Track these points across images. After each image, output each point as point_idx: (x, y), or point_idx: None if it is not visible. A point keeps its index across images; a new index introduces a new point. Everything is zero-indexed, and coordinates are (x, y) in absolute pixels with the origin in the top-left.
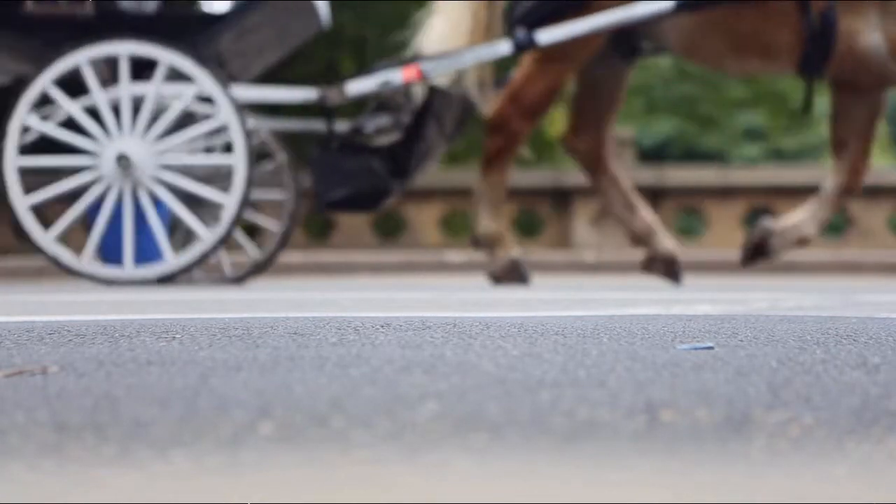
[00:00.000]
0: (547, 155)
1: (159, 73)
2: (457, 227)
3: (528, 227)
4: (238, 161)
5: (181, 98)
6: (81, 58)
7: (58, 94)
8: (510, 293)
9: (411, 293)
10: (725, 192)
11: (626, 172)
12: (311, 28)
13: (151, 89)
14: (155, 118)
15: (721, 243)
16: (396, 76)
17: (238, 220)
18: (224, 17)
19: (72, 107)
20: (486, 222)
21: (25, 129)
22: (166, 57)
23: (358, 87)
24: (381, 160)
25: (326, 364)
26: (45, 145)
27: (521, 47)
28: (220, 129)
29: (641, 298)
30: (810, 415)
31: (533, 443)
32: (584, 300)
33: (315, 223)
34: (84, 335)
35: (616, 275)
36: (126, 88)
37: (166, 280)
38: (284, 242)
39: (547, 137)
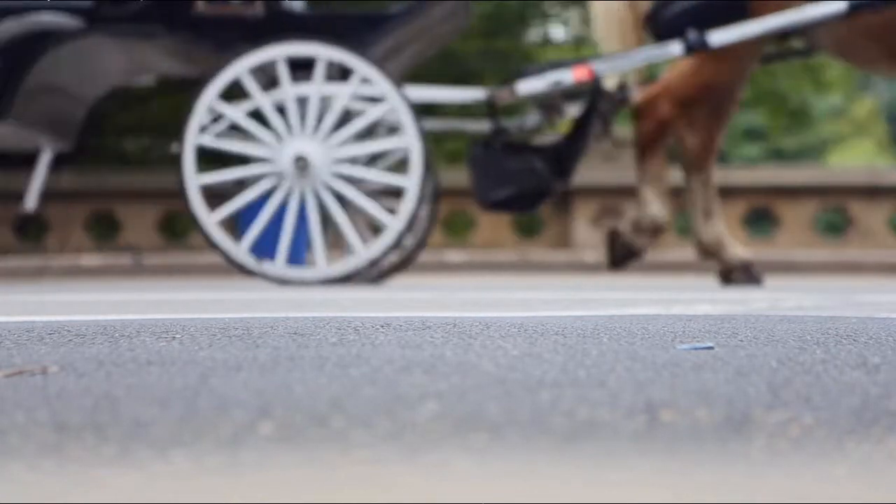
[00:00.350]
0: None
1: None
2: (457, 227)
3: (528, 227)
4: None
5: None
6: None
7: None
8: (510, 293)
9: (411, 293)
10: (725, 192)
11: (626, 171)
12: (459, 29)
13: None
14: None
15: None
16: (567, 76)
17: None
18: (392, 18)
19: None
20: (653, 208)
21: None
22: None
23: (528, 86)
24: (544, 160)
25: (326, 364)
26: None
27: (693, 48)
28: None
29: (641, 298)
30: (810, 415)
31: (533, 443)
32: (584, 300)
33: None
34: (84, 335)
35: (616, 275)
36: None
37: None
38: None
39: None
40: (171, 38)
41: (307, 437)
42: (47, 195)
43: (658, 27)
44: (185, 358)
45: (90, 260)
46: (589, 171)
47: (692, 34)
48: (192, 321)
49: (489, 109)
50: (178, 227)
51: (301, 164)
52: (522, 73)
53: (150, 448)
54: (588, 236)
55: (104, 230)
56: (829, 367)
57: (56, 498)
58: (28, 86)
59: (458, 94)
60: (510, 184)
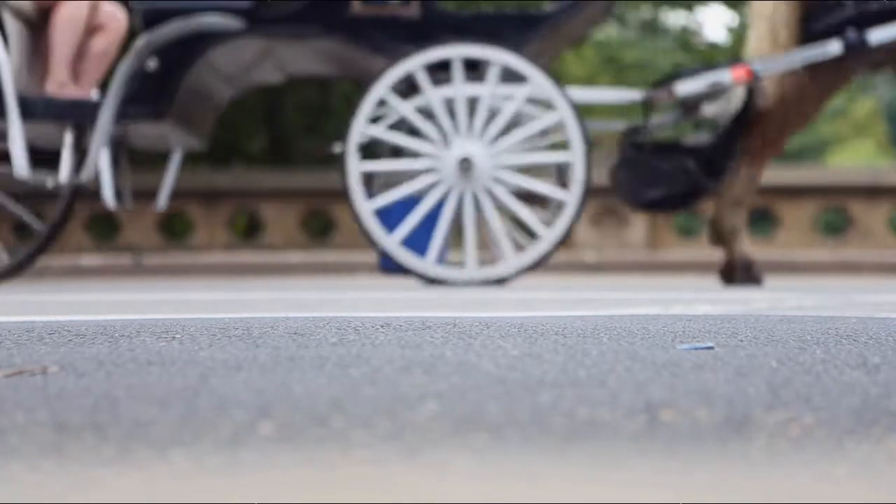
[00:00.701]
0: None
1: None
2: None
3: (527, 227)
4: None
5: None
6: (419, 61)
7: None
8: (510, 293)
9: (411, 293)
10: None
11: None
12: (596, 26)
13: (486, 91)
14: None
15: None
16: (726, 76)
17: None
18: (548, 18)
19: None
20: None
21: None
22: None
23: (687, 87)
24: (696, 160)
25: (326, 364)
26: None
27: (852, 47)
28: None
29: (641, 298)
30: (810, 415)
31: (533, 443)
32: (584, 300)
33: (315, 223)
34: (84, 335)
35: (616, 275)
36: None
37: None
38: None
39: None
40: (325, 39)
41: (307, 437)
42: (47, 196)
43: (814, 27)
44: (185, 358)
45: (90, 260)
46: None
47: (851, 33)
48: (192, 321)
49: (643, 110)
50: (177, 227)
51: (465, 165)
52: (679, 75)
53: (150, 448)
54: (588, 236)
55: (104, 230)
56: (829, 367)
57: (56, 498)
58: (185, 87)
59: (614, 94)
60: (662, 184)
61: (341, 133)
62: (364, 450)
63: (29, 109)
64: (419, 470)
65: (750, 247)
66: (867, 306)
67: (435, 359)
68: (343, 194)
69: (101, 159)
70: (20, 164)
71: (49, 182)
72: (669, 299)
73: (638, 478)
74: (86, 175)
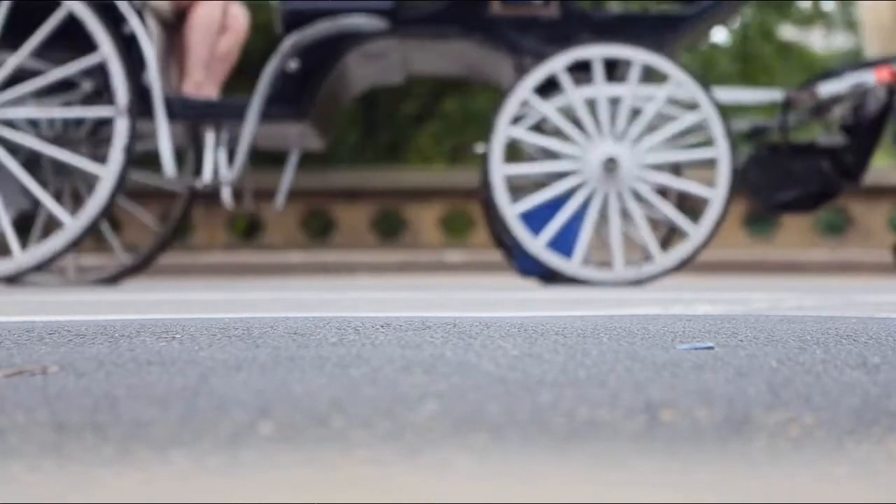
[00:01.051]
0: None
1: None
2: (457, 227)
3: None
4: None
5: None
6: (562, 62)
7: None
8: (510, 293)
9: (411, 293)
10: None
11: None
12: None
13: (628, 91)
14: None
15: (721, 243)
16: (869, 77)
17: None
18: (688, 19)
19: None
20: None
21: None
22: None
23: (829, 88)
24: (831, 161)
25: (326, 364)
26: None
27: None
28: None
29: (641, 298)
30: (810, 415)
31: (533, 443)
32: (584, 300)
33: (315, 223)
34: (84, 335)
35: None
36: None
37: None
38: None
39: None
40: (462, 40)
41: (307, 437)
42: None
43: None
44: (185, 358)
45: (90, 260)
46: None
47: None
48: (192, 321)
49: (783, 111)
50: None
51: (610, 165)
52: (822, 76)
53: (150, 448)
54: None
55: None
56: (829, 367)
57: (56, 498)
58: (325, 88)
59: (756, 94)
60: (797, 185)
61: (337, 134)
62: (364, 450)
63: (170, 110)
64: (419, 470)
65: None
66: (867, 306)
67: (435, 359)
68: (474, 195)
69: (220, 159)
70: (169, 164)
71: (197, 183)
72: (669, 299)
73: (638, 478)
74: (234, 175)
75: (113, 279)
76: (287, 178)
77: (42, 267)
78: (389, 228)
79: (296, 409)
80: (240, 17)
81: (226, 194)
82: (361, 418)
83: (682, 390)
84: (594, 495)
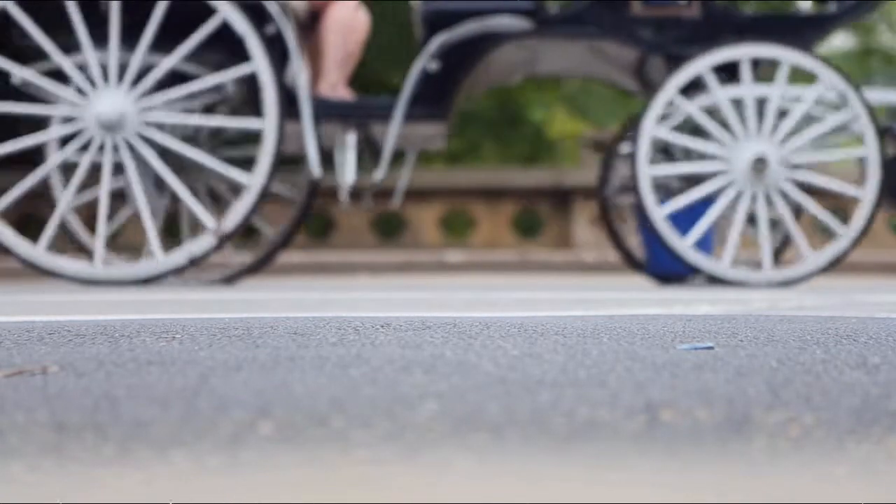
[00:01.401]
0: (547, 155)
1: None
2: (457, 227)
3: (528, 227)
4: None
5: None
6: (708, 62)
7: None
8: (510, 293)
9: (411, 293)
10: None
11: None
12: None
13: (776, 91)
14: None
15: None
16: None
17: (874, 214)
18: (832, 19)
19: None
20: None
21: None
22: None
23: None
24: None
25: (326, 364)
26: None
27: None
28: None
29: (641, 298)
30: (810, 415)
31: (533, 443)
32: (584, 300)
33: (315, 223)
34: (84, 335)
35: (616, 275)
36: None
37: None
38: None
39: (547, 137)
40: (601, 40)
41: (307, 437)
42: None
43: None
44: (185, 358)
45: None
46: (589, 172)
47: None
48: (192, 321)
49: None
50: (178, 227)
51: (759, 165)
52: None
53: (150, 448)
54: (588, 236)
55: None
56: (829, 367)
57: (56, 498)
58: (463, 88)
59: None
60: None
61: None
62: (364, 450)
63: (315, 112)
64: (419, 470)
65: None
66: (867, 306)
67: (435, 359)
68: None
69: (348, 158)
70: (315, 164)
71: (344, 184)
72: (669, 299)
73: (638, 478)
74: (379, 175)
75: (231, 279)
76: (405, 177)
77: (248, 272)
78: (389, 228)
79: (296, 409)
80: (363, 17)
81: (344, 193)
82: (361, 418)
83: (682, 390)
84: (594, 495)
